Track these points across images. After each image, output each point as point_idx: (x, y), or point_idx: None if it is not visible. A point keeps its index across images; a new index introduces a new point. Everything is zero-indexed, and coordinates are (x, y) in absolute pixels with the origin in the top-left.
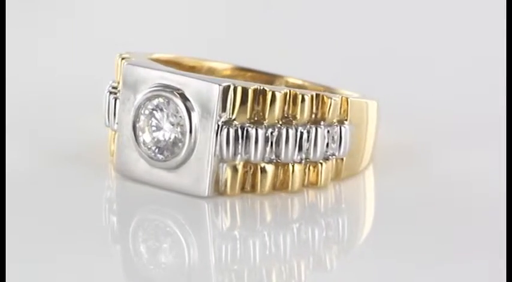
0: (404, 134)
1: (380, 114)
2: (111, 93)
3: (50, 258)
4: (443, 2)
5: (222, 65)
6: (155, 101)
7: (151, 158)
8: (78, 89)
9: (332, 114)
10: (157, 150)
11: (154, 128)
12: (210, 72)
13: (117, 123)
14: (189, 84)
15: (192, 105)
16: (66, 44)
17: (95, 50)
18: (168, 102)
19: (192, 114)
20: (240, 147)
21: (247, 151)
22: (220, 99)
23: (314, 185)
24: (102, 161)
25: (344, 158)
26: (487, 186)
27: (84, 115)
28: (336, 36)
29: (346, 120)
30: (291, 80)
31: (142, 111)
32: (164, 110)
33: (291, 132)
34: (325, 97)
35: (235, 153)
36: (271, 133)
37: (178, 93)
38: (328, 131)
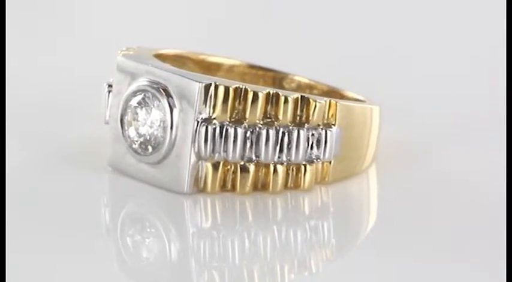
0: (405, 134)
1: (383, 119)
2: (109, 90)
3: (47, 253)
4: (443, 2)
5: (229, 61)
6: (140, 96)
7: (136, 152)
8: (78, 87)
9: (317, 117)
10: (141, 144)
11: (138, 123)
12: (217, 67)
13: (109, 117)
14: (173, 80)
15: (174, 101)
16: (66, 43)
17: (97, 48)
18: (153, 98)
19: (174, 110)
20: (218, 145)
21: (225, 150)
22: (200, 96)
23: (297, 187)
24: (101, 158)
25: (331, 162)
26: (487, 186)
27: (84, 114)
28: (336, 36)
29: (333, 124)
30: (298, 78)
31: (129, 105)
32: (149, 105)
33: (272, 132)
34: (310, 99)
35: (213, 152)
36: (252, 133)
37: (162, 89)
38: (312, 134)
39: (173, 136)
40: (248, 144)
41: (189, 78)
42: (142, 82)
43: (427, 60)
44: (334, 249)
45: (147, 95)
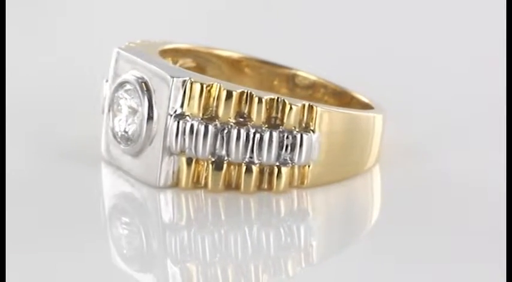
0: (404, 134)
1: (386, 125)
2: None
3: (46, 248)
4: (444, 2)
5: (234, 55)
6: (125, 88)
7: (119, 143)
8: (79, 85)
9: (294, 121)
10: (122, 136)
11: (121, 114)
12: (222, 61)
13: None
14: (152, 74)
15: (151, 95)
16: (65, 41)
17: (96, 47)
18: (134, 90)
19: (151, 104)
20: (188, 141)
21: (195, 146)
22: (174, 91)
23: (271, 189)
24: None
25: (310, 166)
26: (488, 186)
27: (84, 112)
28: (336, 36)
29: (313, 129)
30: (302, 74)
31: (115, 96)
32: (131, 97)
33: (242, 131)
34: (286, 102)
35: (183, 147)
36: (222, 131)
37: (143, 83)
38: (287, 137)
39: (149, 129)
40: (219, 143)
41: (165, 72)
42: (128, 74)
43: (426, 60)
44: (313, 252)
45: (130, 87)
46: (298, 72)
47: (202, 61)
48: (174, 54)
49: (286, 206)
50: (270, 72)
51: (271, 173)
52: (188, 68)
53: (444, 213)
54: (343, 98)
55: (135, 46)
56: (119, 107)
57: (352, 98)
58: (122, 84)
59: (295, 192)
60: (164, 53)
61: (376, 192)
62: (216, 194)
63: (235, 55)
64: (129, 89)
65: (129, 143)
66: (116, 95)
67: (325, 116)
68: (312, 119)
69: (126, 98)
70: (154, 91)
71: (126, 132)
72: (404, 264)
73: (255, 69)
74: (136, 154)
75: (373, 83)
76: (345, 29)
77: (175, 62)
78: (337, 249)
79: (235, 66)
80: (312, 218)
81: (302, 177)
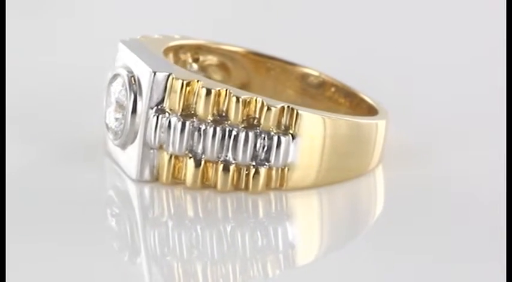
0: (404, 134)
1: (389, 130)
2: None
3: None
4: (444, 2)
5: (240, 50)
6: (116, 81)
7: (111, 135)
8: (79, 83)
9: (272, 122)
10: (110, 128)
11: (111, 106)
12: (228, 57)
13: None
14: (138, 68)
15: (136, 88)
16: (67, 37)
17: (99, 43)
18: (123, 83)
19: (134, 97)
20: (165, 137)
21: (172, 142)
22: (153, 86)
23: (247, 189)
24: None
25: (288, 168)
26: (488, 186)
27: (84, 111)
28: (336, 36)
29: (291, 131)
30: (307, 71)
31: (109, 89)
32: (119, 90)
33: (218, 130)
34: (264, 103)
35: (162, 142)
36: (200, 128)
37: (131, 76)
38: (264, 138)
39: (133, 123)
40: (195, 140)
41: (148, 67)
42: (121, 68)
43: (425, 60)
44: (293, 255)
45: (120, 80)
46: (322, 76)
47: (224, 59)
48: (195, 50)
49: (264, 208)
50: (282, 69)
51: (248, 174)
52: (209, 66)
53: (446, 214)
54: (352, 99)
55: (142, 40)
56: (111, 100)
57: (362, 100)
58: (114, 77)
59: (271, 194)
60: (181, 49)
61: (377, 193)
62: (195, 191)
63: (256, 54)
64: (119, 82)
65: (116, 135)
66: (109, 87)
67: (310, 119)
68: (293, 121)
69: (115, 91)
70: (140, 85)
71: (115, 124)
72: (402, 263)
73: (278, 69)
74: (123, 147)
75: (374, 83)
76: (346, 29)
77: (195, 59)
78: (320, 250)
79: (258, 66)
80: (291, 220)
81: (281, 179)
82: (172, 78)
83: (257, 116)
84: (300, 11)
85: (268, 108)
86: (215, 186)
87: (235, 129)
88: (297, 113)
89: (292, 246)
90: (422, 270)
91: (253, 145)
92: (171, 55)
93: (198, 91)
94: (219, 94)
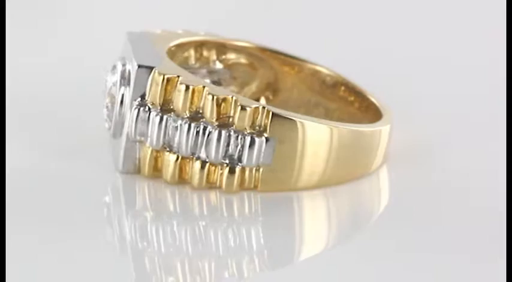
0: (404, 134)
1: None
2: None
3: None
4: (444, 2)
5: (248, 45)
6: (112, 72)
7: (106, 125)
8: (79, 83)
9: (247, 122)
10: (106, 119)
11: (107, 98)
12: (255, 56)
13: None
14: (130, 59)
15: (125, 80)
16: (67, 37)
17: (99, 43)
18: (116, 76)
19: (123, 89)
20: (144, 130)
21: (149, 136)
22: (136, 79)
23: (220, 187)
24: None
25: (262, 169)
26: (491, 186)
27: (85, 110)
28: (337, 36)
29: (265, 133)
30: (314, 67)
31: (106, 80)
32: (113, 82)
33: (193, 126)
34: (237, 102)
35: (140, 135)
36: (175, 124)
37: (123, 68)
38: (237, 137)
39: (120, 115)
40: (170, 135)
41: (135, 61)
42: (118, 60)
43: (425, 60)
44: (269, 255)
45: (115, 72)
46: (324, 71)
47: (250, 58)
48: (220, 49)
49: (239, 208)
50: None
51: (222, 173)
52: (234, 64)
53: (448, 214)
54: (361, 99)
55: (156, 33)
56: (107, 91)
57: (370, 102)
58: (112, 69)
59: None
60: (203, 45)
61: (377, 194)
62: (173, 187)
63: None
64: (114, 74)
65: (109, 126)
66: (107, 78)
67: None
68: (266, 123)
69: (111, 82)
70: (128, 76)
71: (107, 116)
72: (402, 263)
73: (307, 71)
74: (114, 137)
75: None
76: (350, 29)
77: (220, 59)
78: (297, 251)
79: (286, 66)
80: (263, 221)
81: (255, 180)
82: (155, 73)
83: (232, 115)
84: (307, 10)
85: (243, 108)
86: (189, 183)
87: (209, 127)
88: (272, 114)
89: (269, 246)
90: (424, 270)
91: (225, 144)
92: (191, 51)
93: (177, 87)
94: (197, 91)
